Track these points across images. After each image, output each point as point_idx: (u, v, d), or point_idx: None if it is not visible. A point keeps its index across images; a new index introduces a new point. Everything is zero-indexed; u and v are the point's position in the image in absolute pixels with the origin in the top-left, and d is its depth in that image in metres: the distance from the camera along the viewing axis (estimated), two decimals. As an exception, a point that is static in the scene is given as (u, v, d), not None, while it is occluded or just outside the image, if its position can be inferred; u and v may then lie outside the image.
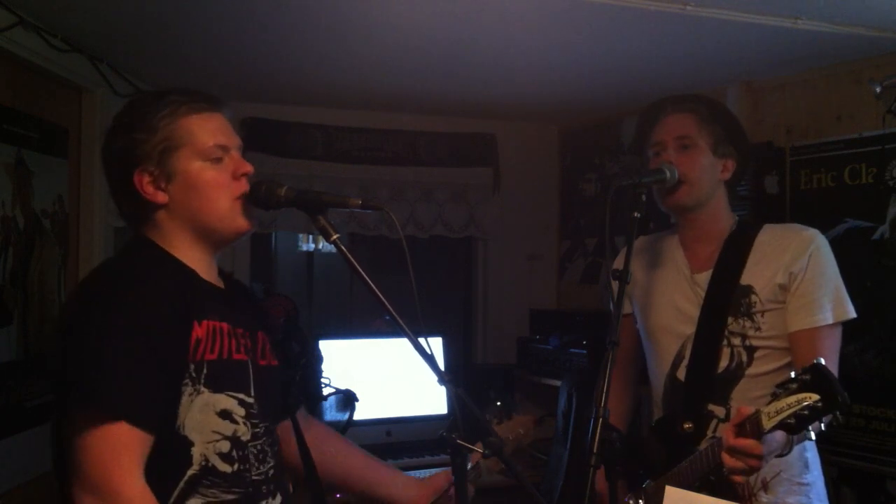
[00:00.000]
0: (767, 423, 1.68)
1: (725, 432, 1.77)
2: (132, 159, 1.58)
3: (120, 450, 1.42)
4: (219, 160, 1.61)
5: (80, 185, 3.18)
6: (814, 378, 1.63)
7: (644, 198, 1.97)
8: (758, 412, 1.71)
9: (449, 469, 1.85)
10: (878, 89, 2.91)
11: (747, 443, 1.71)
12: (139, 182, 1.58)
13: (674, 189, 2.09)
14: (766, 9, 2.59)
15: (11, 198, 2.67)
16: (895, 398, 2.90)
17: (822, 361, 1.65)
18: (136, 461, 1.43)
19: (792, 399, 1.64)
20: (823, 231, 2.15)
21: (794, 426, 1.65)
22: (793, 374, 1.67)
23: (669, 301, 2.19)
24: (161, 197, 1.59)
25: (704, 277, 2.14)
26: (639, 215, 1.95)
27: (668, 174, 2.06)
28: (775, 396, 1.68)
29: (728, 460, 1.74)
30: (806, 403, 1.62)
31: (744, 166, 2.20)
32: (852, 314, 2.04)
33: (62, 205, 3.04)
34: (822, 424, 1.64)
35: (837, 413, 1.63)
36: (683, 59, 3.14)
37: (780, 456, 1.84)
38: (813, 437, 1.66)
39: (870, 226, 2.98)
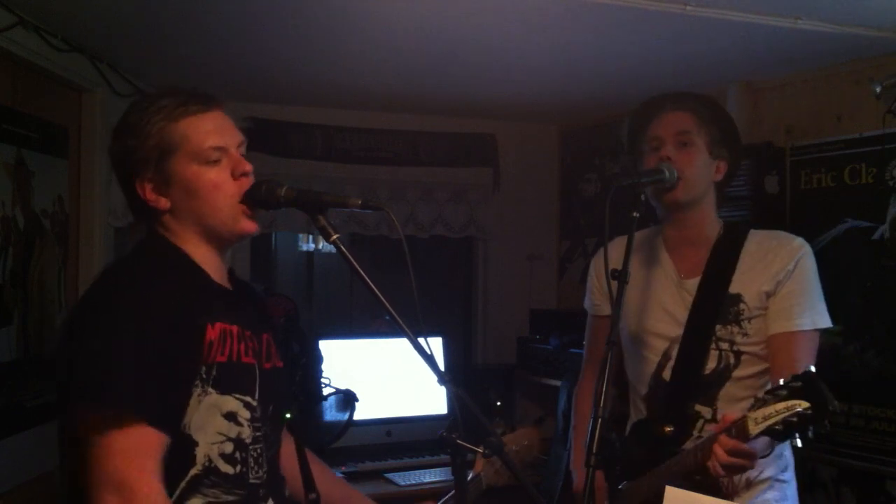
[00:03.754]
0: (754, 429, 1.69)
1: (721, 437, 1.78)
2: (131, 167, 1.58)
3: (140, 451, 1.42)
4: (216, 161, 1.59)
5: (80, 185, 3.18)
6: (805, 385, 1.64)
7: (644, 197, 1.97)
8: (744, 417, 1.72)
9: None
10: (878, 89, 2.91)
11: (744, 446, 1.73)
12: (141, 189, 1.59)
13: (671, 186, 2.09)
14: (766, 9, 2.59)
15: (11, 198, 2.67)
16: (895, 398, 2.90)
17: (813, 369, 1.66)
18: (155, 462, 1.44)
19: (781, 406, 1.65)
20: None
21: (782, 432, 1.65)
22: (782, 381, 1.69)
23: (657, 304, 2.19)
24: (163, 203, 1.59)
25: (693, 284, 2.14)
26: (638, 215, 1.94)
27: (667, 174, 2.05)
28: (763, 402, 1.69)
29: (725, 458, 1.75)
30: (797, 410, 1.63)
31: (735, 169, 2.20)
32: (828, 323, 2.06)
33: (62, 205, 3.04)
34: (810, 432, 1.65)
35: (826, 422, 1.63)
36: (683, 59, 3.14)
37: (762, 457, 1.86)
38: (800, 443, 1.67)
39: (870, 226, 2.98)
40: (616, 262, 1.91)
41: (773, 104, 3.45)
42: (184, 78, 3.50)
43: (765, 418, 1.66)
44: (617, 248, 2.02)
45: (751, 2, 2.54)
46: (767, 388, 1.73)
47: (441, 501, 1.90)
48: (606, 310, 2.28)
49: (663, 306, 2.17)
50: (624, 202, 1.95)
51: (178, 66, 3.38)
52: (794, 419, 1.62)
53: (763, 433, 1.68)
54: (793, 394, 1.64)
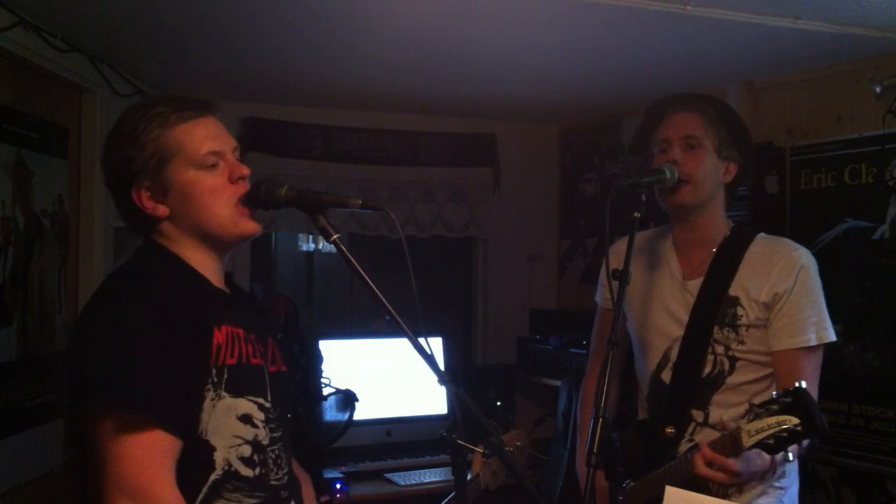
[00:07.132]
0: (747, 441, 1.72)
1: (704, 446, 1.80)
2: (127, 177, 1.58)
3: (154, 455, 1.43)
4: (213, 166, 1.59)
5: (80, 185, 3.18)
6: (795, 401, 1.68)
7: (644, 197, 1.97)
8: (738, 429, 1.74)
9: None
10: (878, 89, 2.91)
11: (724, 459, 1.75)
12: (138, 198, 1.58)
13: (676, 188, 2.09)
14: (766, 9, 2.59)
15: (11, 198, 2.67)
16: (895, 398, 2.90)
17: (804, 385, 1.68)
18: (169, 466, 1.45)
19: (772, 420, 1.69)
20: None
21: (773, 447, 1.69)
22: (774, 395, 1.72)
23: (661, 304, 2.20)
24: (161, 210, 1.59)
25: (695, 285, 2.15)
26: (639, 215, 1.94)
27: (668, 174, 2.05)
28: (756, 416, 1.72)
29: (704, 470, 1.78)
30: (785, 426, 1.67)
31: (745, 170, 2.20)
32: (833, 338, 2.06)
33: (62, 205, 3.04)
34: (802, 447, 1.69)
35: (817, 438, 1.68)
36: (683, 59, 3.14)
37: (769, 477, 1.87)
38: (791, 457, 1.71)
39: (870, 226, 2.98)
40: (622, 260, 1.91)
41: (773, 104, 3.45)
42: (184, 78, 3.50)
43: (758, 431, 1.71)
44: (624, 245, 2.02)
45: (751, 2, 2.54)
46: (760, 401, 1.76)
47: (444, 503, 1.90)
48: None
49: (666, 306, 2.18)
50: (625, 203, 1.96)
51: (177, 66, 3.38)
52: (785, 434, 1.67)
53: (755, 446, 1.71)
54: (784, 409, 1.68)
